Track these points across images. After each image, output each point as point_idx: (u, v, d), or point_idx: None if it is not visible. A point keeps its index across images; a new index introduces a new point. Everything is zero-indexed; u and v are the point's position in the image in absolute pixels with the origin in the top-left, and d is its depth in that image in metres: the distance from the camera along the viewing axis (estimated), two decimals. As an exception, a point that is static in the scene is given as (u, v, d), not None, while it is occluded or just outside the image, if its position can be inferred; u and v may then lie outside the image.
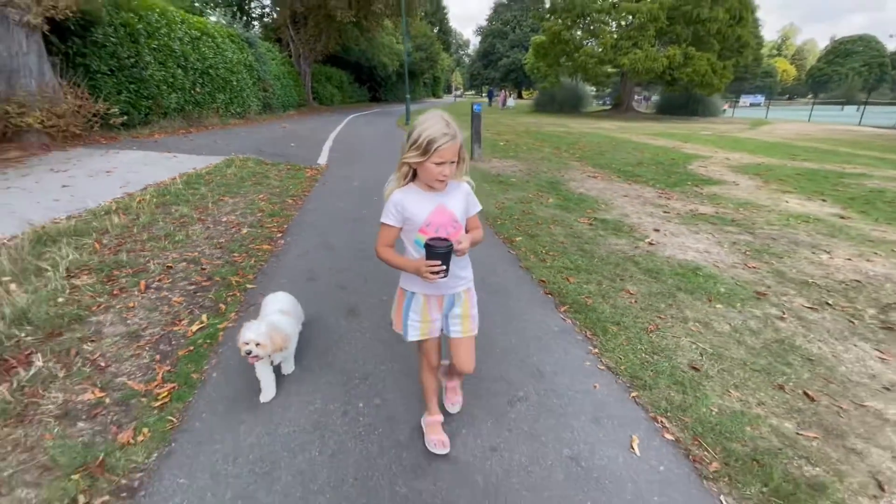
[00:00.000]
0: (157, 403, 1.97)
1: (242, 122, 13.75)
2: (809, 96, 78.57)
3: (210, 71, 12.63)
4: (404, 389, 2.10)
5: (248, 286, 3.10)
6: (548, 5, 23.66)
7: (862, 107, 28.57)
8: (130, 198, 4.69)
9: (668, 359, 2.34)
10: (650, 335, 2.57)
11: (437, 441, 1.73)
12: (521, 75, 58.53)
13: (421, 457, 1.72)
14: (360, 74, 34.18)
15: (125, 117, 8.89)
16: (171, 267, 3.28)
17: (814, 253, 3.96)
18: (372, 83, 37.02)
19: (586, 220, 4.79)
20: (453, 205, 1.50)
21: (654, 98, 33.28)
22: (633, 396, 2.07)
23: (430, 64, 45.32)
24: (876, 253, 3.99)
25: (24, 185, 5.03)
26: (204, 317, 2.66)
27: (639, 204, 5.58)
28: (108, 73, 9.02)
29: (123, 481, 1.60)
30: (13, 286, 2.73)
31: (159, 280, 3.07)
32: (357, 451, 1.75)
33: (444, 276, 1.39)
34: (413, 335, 1.62)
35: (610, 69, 22.43)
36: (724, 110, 34.37)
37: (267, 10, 30.36)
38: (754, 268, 3.61)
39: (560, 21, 22.33)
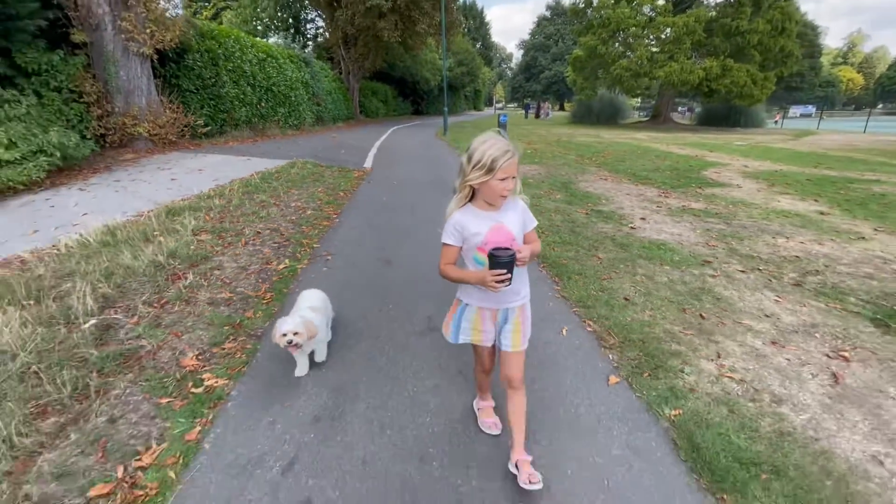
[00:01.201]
0: (264, 302, 3.12)
1: (298, 132, 15.44)
2: (880, 106, 73.71)
3: (273, 88, 14.41)
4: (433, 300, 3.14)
5: (314, 245, 4.28)
6: (585, 22, 24.42)
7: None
8: (222, 188, 6.06)
9: (609, 294, 3.26)
10: (603, 282, 3.48)
11: (491, 423, 1.91)
12: (563, 87, 58.98)
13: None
14: (403, 89, 36.08)
15: (208, 128, 10.60)
16: (259, 232, 4.51)
17: (774, 238, 4.68)
18: (415, 97, 38.87)
19: (584, 211, 5.69)
20: (510, 222, 1.55)
21: (697, 110, 32.95)
22: (574, 311, 3.02)
23: (470, 78, 46.83)
24: (832, 239, 4.66)
25: (143, 178, 6.55)
26: (287, 260, 3.84)
27: (637, 200, 6.40)
28: (195, 91, 10.81)
29: (251, 333, 2.73)
30: (161, 238, 4.02)
31: (253, 240, 4.30)
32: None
33: (509, 285, 1.45)
34: (462, 338, 1.71)
35: (647, 81, 22.79)
36: (776, 122, 33.56)
37: (321, 30, 32.97)
38: (713, 246, 4.41)
39: (596, 36, 23.03)
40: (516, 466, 1.63)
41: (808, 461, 1.77)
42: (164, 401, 2.10)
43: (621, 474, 1.73)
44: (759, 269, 3.79)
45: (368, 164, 9.78)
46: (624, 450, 1.84)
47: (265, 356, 2.51)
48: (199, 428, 1.96)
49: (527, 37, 75.01)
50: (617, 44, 23.06)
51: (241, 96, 12.47)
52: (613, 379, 2.29)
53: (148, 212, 4.81)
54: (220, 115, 11.59)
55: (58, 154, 6.05)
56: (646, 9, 23.07)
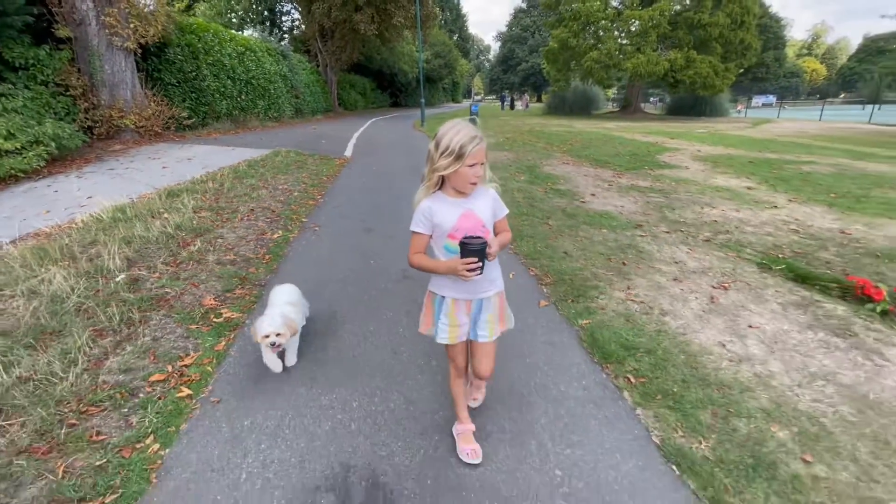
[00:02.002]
0: (264, 262, 3.71)
1: (278, 124, 15.76)
2: (842, 95, 76.86)
3: (252, 81, 14.69)
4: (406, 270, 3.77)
5: (303, 219, 4.87)
6: (557, 16, 25.16)
7: (873, 106, 28.94)
8: (213, 174, 6.54)
9: (552, 250, 3.95)
10: (549, 241, 4.17)
11: (470, 451, 1.71)
12: (540, 79, 59.86)
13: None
14: (381, 81, 36.31)
15: (192, 120, 10.93)
16: (253, 210, 5.06)
17: (701, 208, 5.46)
18: (393, 89, 39.12)
19: (543, 189, 6.39)
20: (481, 209, 1.54)
21: (667, 100, 34.15)
22: (522, 262, 3.70)
23: (448, 70, 47.22)
24: (749, 207, 5.46)
25: (135, 167, 6.96)
26: (280, 231, 4.41)
27: (592, 181, 7.13)
28: (176, 84, 11.11)
29: (256, 283, 3.32)
30: (166, 215, 4.53)
31: (248, 216, 4.84)
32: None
33: (480, 274, 1.42)
34: (443, 338, 1.63)
35: (616, 72, 23.70)
36: (739, 111, 35.07)
37: (297, 23, 32.87)
38: (648, 214, 5.15)
39: (568, 29, 23.79)
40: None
41: (672, 346, 2.48)
42: (193, 327, 2.69)
43: (540, 356, 2.41)
44: (680, 231, 4.54)
45: (349, 153, 10.30)
46: (544, 343, 2.52)
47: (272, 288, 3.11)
48: (224, 342, 2.56)
49: (504, 29, 75.66)
50: (587, 36, 23.85)
51: (222, 89, 12.76)
52: (543, 303, 2.98)
53: (149, 194, 5.29)
54: (202, 108, 11.90)
55: (53, 144, 6.43)
56: (614, 2, 23.93)
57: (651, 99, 48.22)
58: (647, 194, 6.19)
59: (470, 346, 1.72)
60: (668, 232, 4.51)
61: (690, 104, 27.90)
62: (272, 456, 1.76)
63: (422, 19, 22.23)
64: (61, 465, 1.68)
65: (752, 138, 14.64)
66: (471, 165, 1.43)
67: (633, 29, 23.04)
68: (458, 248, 1.43)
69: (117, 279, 3.10)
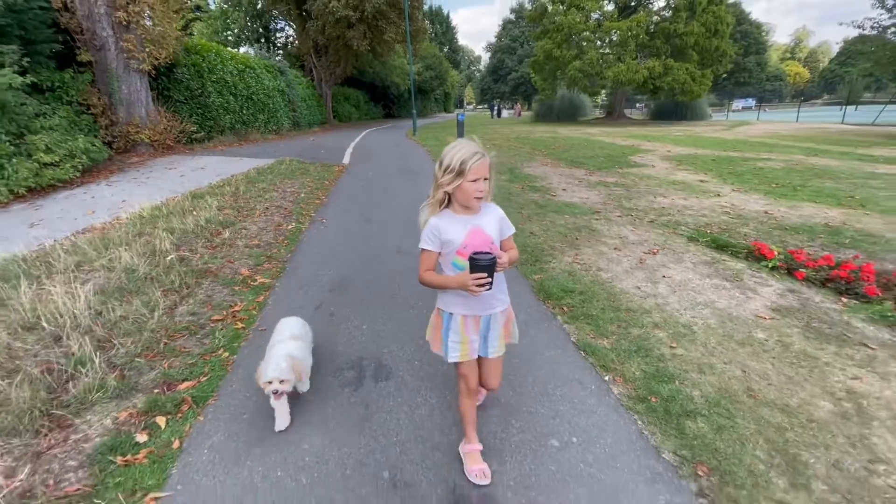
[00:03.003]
0: (283, 245, 4.51)
1: (278, 137, 16.62)
2: (825, 97, 78.88)
3: (253, 97, 15.57)
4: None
5: (311, 215, 5.69)
6: (540, 28, 26.36)
7: (846, 106, 30.32)
8: (227, 180, 7.36)
9: (521, 231, 4.78)
10: (519, 225, 5.00)
11: (478, 471, 1.68)
12: (530, 88, 61.32)
13: (395, 253, 4.21)
14: (374, 94, 37.37)
15: (201, 133, 11.78)
16: (268, 208, 5.87)
17: (655, 198, 6.33)
18: (385, 101, 40.20)
19: (520, 186, 7.25)
20: (488, 227, 1.56)
21: (651, 106, 35.37)
22: (495, 240, 4.53)
23: (439, 82, 48.46)
24: (696, 196, 6.34)
25: (156, 176, 7.77)
26: (293, 223, 5.23)
27: (566, 179, 8.01)
28: (184, 101, 11.96)
29: (279, 259, 4.13)
30: (194, 213, 5.33)
31: (264, 213, 5.66)
32: (370, 252, 4.25)
33: (490, 289, 1.44)
34: (453, 356, 1.64)
35: (599, 80, 24.84)
36: (727, 114, 36.35)
37: (291, 39, 33.95)
38: (608, 203, 6.01)
39: (552, 41, 24.94)
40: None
41: (600, 289, 3.31)
42: (237, 288, 3.49)
43: (500, 299, 3.23)
44: (630, 215, 5.40)
45: (346, 160, 11.15)
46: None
47: (291, 269, 3.92)
48: (262, 297, 3.37)
49: (494, 40, 77.43)
50: (571, 47, 24.99)
51: (225, 105, 13.63)
52: (507, 265, 3.80)
53: (176, 197, 6.10)
54: (208, 123, 12.74)
55: (85, 157, 7.23)
56: (594, 14, 25.13)
57: (638, 105, 49.69)
58: (611, 188, 7.06)
59: (479, 362, 1.73)
60: (620, 216, 5.36)
61: (672, 109, 29.11)
62: (317, 343, 2.57)
63: (412, 34, 23.28)
64: (166, 363, 2.48)
65: (724, 139, 15.64)
66: (473, 181, 1.46)
67: (614, 39, 24.20)
68: (466, 265, 1.46)
69: (169, 258, 3.90)
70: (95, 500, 1.63)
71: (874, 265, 3.53)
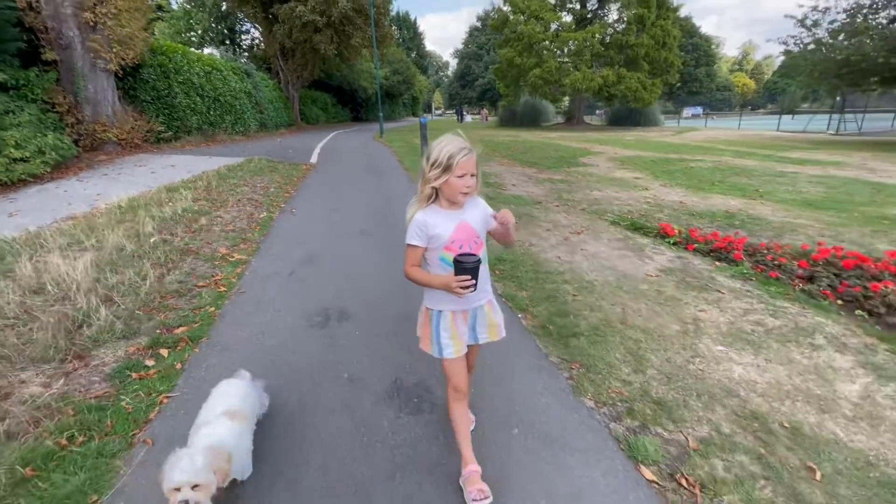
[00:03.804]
0: (255, 230, 5.01)
1: (245, 138, 16.77)
2: (769, 107, 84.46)
3: (220, 98, 15.70)
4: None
5: (281, 206, 6.18)
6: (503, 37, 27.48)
7: (782, 115, 33.09)
8: (199, 177, 7.71)
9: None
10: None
11: (477, 491, 1.54)
12: (496, 94, 62.76)
13: (358, 235, 4.80)
14: (342, 97, 37.58)
15: (169, 133, 11.93)
16: (240, 200, 6.32)
17: (591, 191, 7.16)
18: (353, 104, 40.45)
19: (475, 182, 7.95)
20: (474, 220, 1.57)
21: (607, 112, 37.16)
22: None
23: (406, 86, 49.06)
24: (626, 190, 7.21)
25: (126, 172, 8.03)
26: (265, 213, 5.72)
27: (517, 176, 8.79)
28: (150, 101, 12.08)
29: (253, 241, 4.63)
30: (171, 203, 5.73)
31: (237, 204, 6.10)
32: (335, 235, 4.83)
33: (474, 290, 1.45)
34: (449, 353, 1.62)
35: (557, 87, 26.13)
36: (678, 121, 38.66)
37: (257, 41, 33.80)
38: (549, 196, 6.79)
39: (513, 49, 26.07)
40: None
41: (527, 259, 4.01)
42: (216, 263, 3.99)
43: (445, 267, 3.89)
44: (567, 205, 6.19)
45: (314, 160, 11.59)
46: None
47: (265, 248, 4.44)
48: (240, 269, 3.88)
49: (461, 46, 78.88)
50: (531, 55, 26.17)
51: (192, 105, 13.76)
52: (454, 243, 4.46)
53: (150, 191, 6.45)
54: (175, 123, 12.86)
55: (54, 154, 7.43)
56: (553, 25, 26.44)
57: (598, 112, 52.04)
58: (556, 184, 7.87)
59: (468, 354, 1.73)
60: (557, 206, 6.14)
61: (627, 115, 30.79)
62: (282, 306, 3.13)
63: (378, 39, 23.83)
64: (162, 316, 2.98)
65: (669, 143, 16.97)
66: (460, 176, 1.45)
67: (571, 49, 25.55)
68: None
69: (152, 239, 4.34)
70: (121, 397, 2.15)
71: (747, 239, 4.41)
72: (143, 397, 2.16)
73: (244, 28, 33.18)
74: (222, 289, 3.45)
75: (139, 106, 11.53)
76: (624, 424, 1.98)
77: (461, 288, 1.41)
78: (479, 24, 74.01)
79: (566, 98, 34.29)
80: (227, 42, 32.53)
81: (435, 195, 1.56)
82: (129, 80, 11.32)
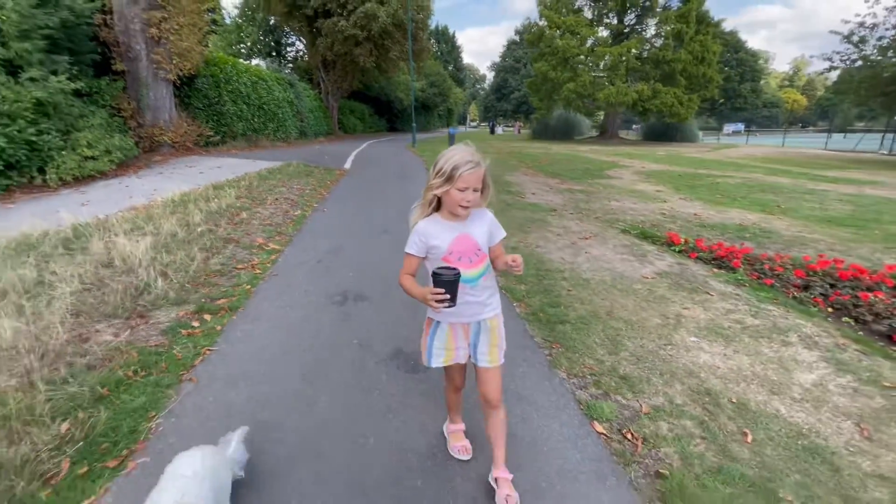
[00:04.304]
0: (290, 225, 5.54)
1: (285, 144, 17.79)
2: (820, 124, 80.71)
3: (264, 106, 16.78)
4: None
5: (314, 205, 6.73)
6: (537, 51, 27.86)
7: (831, 133, 31.74)
8: (241, 177, 8.43)
9: (486, 221, 5.80)
10: (486, 217, 6.03)
11: (461, 447, 1.79)
12: (531, 107, 63.13)
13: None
14: (379, 107, 38.86)
15: (217, 137, 12.93)
16: (277, 199, 6.92)
17: (609, 202, 7.37)
18: (390, 115, 41.69)
19: (499, 191, 8.27)
20: (476, 233, 1.53)
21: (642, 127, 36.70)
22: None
23: (442, 98, 50.10)
24: (644, 202, 7.37)
25: (179, 172, 8.85)
26: (299, 210, 6.27)
27: (539, 186, 9.07)
28: (202, 108, 13.14)
29: (287, 235, 5.16)
30: (216, 199, 6.37)
31: (274, 203, 6.70)
32: (360, 231, 5.29)
33: (451, 306, 1.38)
34: (436, 362, 1.63)
35: (591, 101, 26.20)
36: (718, 138, 37.70)
37: (301, 53, 35.59)
38: (566, 205, 7.05)
39: (548, 63, 26.39)
40: (496, 481, 1.62)
41: (532, 258, 4.32)
42: (254, 251, 4.51)
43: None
44: (581, 213, 6.44)
45: (348, 165, 12.27)
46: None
47: (297, 240, 4.94)
48: (274, 256, 4.38)
49: (498, 59, 79.80)
50: (565, 69, 26.40)
51: (239, 113, 14.81)
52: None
53: (199, 188, 7.16)
54: (222, 128, 13.90)
55: (119, 153, 8.32)
56: (589, 41, 26.63)
57: (634, 126, 51.36)
58: (576, 194, 8.11)
59: (476, 372, 1.65)
60: (572, 214, 6.40)
61: (663, 130, 30.41)
62: (308, 287, 3.58)
63: (415, 53, 24.73)
64: (206, 290, 3.48)
65: (702, 159, 16.77)
66: (462, 189, 1.41)
67: (606, 63, 25.63)
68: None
69: (200, 228, 4.93)
70: (173, 347, 2.62)
71: (751, 250, 4.56)
72: (190, 348, 2.62)
73: (290, 41, 35.05)
74: (258, 272, 3.94)
75: (192, 112, 12.57)
76: (588, 392, 2.27)
77: (436, 302, 1.37)
78: (516, 38, 74.80)
79: (601, 112, 34.21)
80: (274, 54, 34.41)
81: (438, 204, 1.54)
82: (184, 88, 12.39)
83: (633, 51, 24.86)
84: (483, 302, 1.57)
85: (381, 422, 2.02)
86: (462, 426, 1.88)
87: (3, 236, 4.08)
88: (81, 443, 1.82)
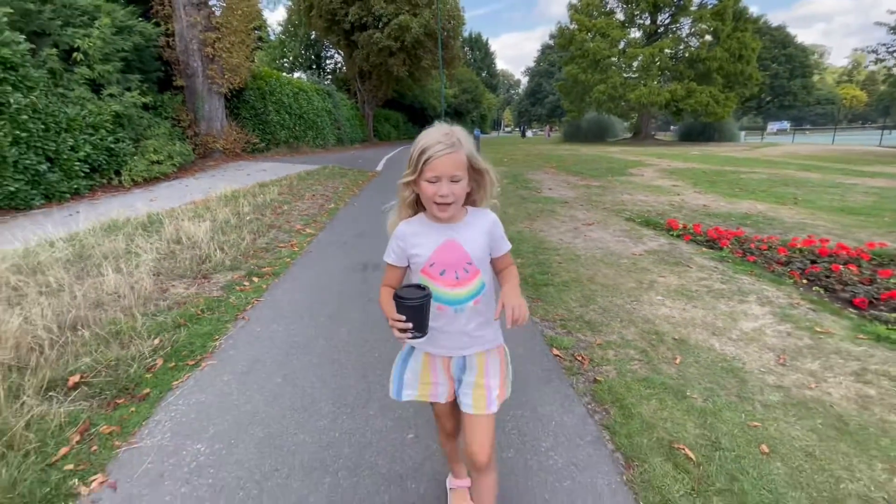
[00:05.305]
0: (324, 216, 6.29)
1: (323, 150, 18.96)
2: (881, 121, 75.53)
3: (304, 115, 18.02)
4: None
5: (346, 200, 7.48)
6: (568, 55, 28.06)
7: (884, 130, 29.92)
8: (283, 178, 9.34)
9: (503, 215, 6.31)
10: (501, 212, 6.54)
11: None
12: (564, 111, 62.91)
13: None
14: (413, 115, 40.05)
15: (262, 145, 14.12)
16: (314, 195, 7.73)
17: (621, 195, 7.70)
18: (423, 122, 42.72)
19: (515, 186, 8.80)
20: (469, 240, 1.16)
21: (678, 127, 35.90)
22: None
23: (475, 104, 50.88)
24: (656, 195, 7.66)
25: (229, 174, 9.90)
26: (332, 204, 7.03)
27: (558, 183, 9.48)
28: (249, 118, 14.39)
29: (321, 223, 5.89)
30: (262, 195, 7.23)
31: (311, 198, 7.50)
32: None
33: (418, 337, 1.07)
34: (406, 394, 1.27)
35: (622, 103, 26.09)
36: (761, 137, 36.31)
37: (339, 65, 37.35)
38: (580, 198, 7.45)
39: (578, 66, 26.54)
40: None
41: (534, 238, 4.81)
42: (293, 234, 5.25)
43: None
44: (591, 205, 6.83)
45: (379, 168, 13.09)
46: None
47: (330, 227, 5.65)
48: (310, 239, 5.10)
49: (532, 64, 79.91)
50: (596, 72, 26.45)
51: (282, 122, 16.04)
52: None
53: (247, 186, 8.09)
54: (267, 136, 15.13)
55: (179, 158, 9.45)
56: (621, 42, 26.58)
57: (672, 127, 50.14)
58: (592, 189, 8.48)
59: (462, 418, 1.25)
60: (582, 206, 6.81)
61: (700, 130, 29.70)
62: (336, 261, 4.25)
63: (447, 61, 25.56)
64: (254, 262, 4.22)
65: (734, 157, 16.49)
66: (432, 181, 1.07)
67: (637, 64, 25.49)
68: (433, 286, 1.13)
69: (248, 217, 5.74)
70: (229, 298, 3.33)
71: (744, 233, 4.86)
72: (242, 299, 3.33)
73: (328, 54, 36.89)
74: (295, 249, 4.66)
75: (240, 122, 13.82)
76: (555, 331, 2.78)
77: (398, 331, 1.04)
78: (551, 42, 74.72)
79: (635, 114, 33.82)
80: (314, 66, 36.29)
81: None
82: (234, 100, 13.66)
83: (667, 50, 24.60)
84: (470, 333, 1.19)
85: (385, 345, 2.61)
86: (467, 482, 1.45)
87: (98, 221, 5.02)
88: (169, 348, 2.52)
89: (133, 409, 2.03)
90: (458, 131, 1.12)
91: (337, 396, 2.14)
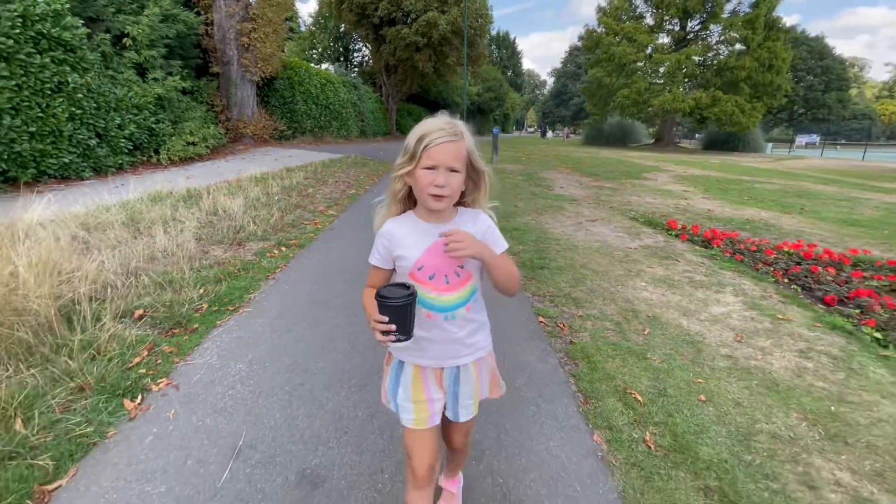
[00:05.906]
0: (345, 200, 6.75)
1: (346, 141, 19.51)
2: (921, 138, 72.95)
3: (330, 106, 18.58)
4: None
5: (366, 187, 7.93)
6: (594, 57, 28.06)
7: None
8: (308, 164, 9.86)
9: (509, 206, 6.68)
10: (511, 201, 6.90)
11: None
12: (588, 114, 62.52)
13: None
14: (435, 110, 39.02)
15: (288, 132, 14.72)
16: (336, 181, 8.21)
17: (630, 197, 7.97)
18: (446, 118, 43.16)
19: (529, 184, 9.13)
20: None
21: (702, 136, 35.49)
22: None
23: (498, 103, 50.97)
24: (663, 198, 7.91)
25: (257, 158, 10.47)
26: (353, 190, 7.49)
27: (571, 182, 9.77)
28: (278, 106, 14.98)
29: (342, 206, 6.35)
30: (289, 178, 7.73)
31: (334, 183, 7.98)
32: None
33: (403, 341, 0.99)
34: (406, 419, 1.16)
35: (645, 108, 26.01)
36: (789, 149, 35.66)
37: (366, 59, 37.95)
38: (589, 197, 7.75)
39: (602, 69, 26.54)
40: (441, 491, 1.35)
41: (539, 232, 5.18)
42: (317, 214, 5.71)
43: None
44: (599, 204, 7.14)
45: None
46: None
47: (350, 209, 6.10)
48: (332, 219, 5.56)
49: (559, 65, 79.46)
50: (620, 76, 26.41)
51: (308, 111, 16.62)
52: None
53: (274, 170, 8.62)
54: (294, 125, 15.72)
55: (212, 141, 10.04)
56: (648, 47, 26.47)
57: (697, 135, 49.45)
58: (603, 190, 8.76)
59: (444, 422, 1.22)
60: (590, 204, 7.13)
61: (724, 140, 29.39)
62: (353, 237, 4.69)
63: (472, 59, 25.85)
64: (281, 235, 4.69)
65: (754, 168, 16.47)
66: (429, 168, 1.01)
67: (663, 70, 25.37)
68: (423, 292, 1.07)
69: (276, 197, 6.23)
70: (261, 262, 3.79)
71: (738, 235, 5.14)
72: (272, 263, 3.79)
73: (356, 47, 37.46)
74: (319, 226, 5.12)
75: (269, 109, 14.42)
76: (543, 304, 3.16)
77: (380, 334, 0.98)
78: (579, 44, 74.15)
79: (658, 119, 33.55)
80: (342, 59, 36.93)
81: (414, 200, 1.14)
82: (264, 88, 14.26)
83: (695, 57, 24.43)
84: (462, 341, 1.13)
85: (394, 305, 3.03)
86: None
87: (145, 192, 5.57)
88: (213, 296, 2.99)
89: (186, 337, 2.49)
90: (461, 124, 1.07)
91: (351, 339, 2.56)
